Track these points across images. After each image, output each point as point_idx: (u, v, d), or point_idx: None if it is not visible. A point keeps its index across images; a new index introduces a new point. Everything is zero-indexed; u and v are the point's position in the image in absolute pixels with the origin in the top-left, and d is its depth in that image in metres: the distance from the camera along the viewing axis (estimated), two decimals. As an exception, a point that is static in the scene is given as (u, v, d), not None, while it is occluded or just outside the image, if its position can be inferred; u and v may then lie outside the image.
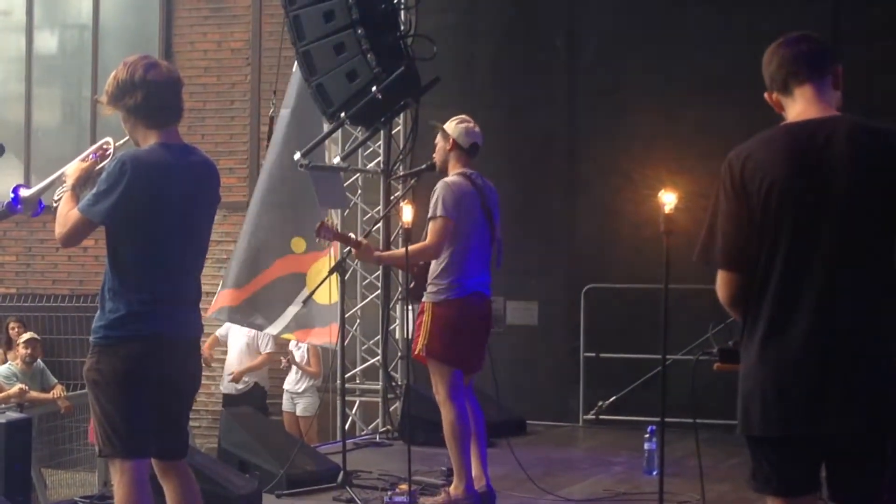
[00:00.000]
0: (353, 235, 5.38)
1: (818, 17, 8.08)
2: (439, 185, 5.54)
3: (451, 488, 5.58)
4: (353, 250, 5.70)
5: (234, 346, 9.66)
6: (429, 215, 5.50)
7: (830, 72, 3.08)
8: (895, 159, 2.94)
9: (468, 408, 5.60)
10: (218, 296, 8.55)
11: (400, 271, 8.52)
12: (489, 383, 6.32)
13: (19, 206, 4.17)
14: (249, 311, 8.41)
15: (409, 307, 6.60)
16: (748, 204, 2.97)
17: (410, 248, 5.46)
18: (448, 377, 5.53)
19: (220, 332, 9.74)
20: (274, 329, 8.51)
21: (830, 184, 2.93)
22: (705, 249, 3.06)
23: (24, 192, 4.17)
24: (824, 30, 3.20)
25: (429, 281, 5.57)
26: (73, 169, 4.02)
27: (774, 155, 2.97)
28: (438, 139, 5.75)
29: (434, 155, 5.77)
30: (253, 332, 9.25)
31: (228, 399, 9.49)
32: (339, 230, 5.56)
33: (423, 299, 5.60)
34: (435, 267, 5.54)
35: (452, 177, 5.58)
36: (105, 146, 4.07)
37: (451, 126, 5.70)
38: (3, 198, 4.14)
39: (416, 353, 5.60)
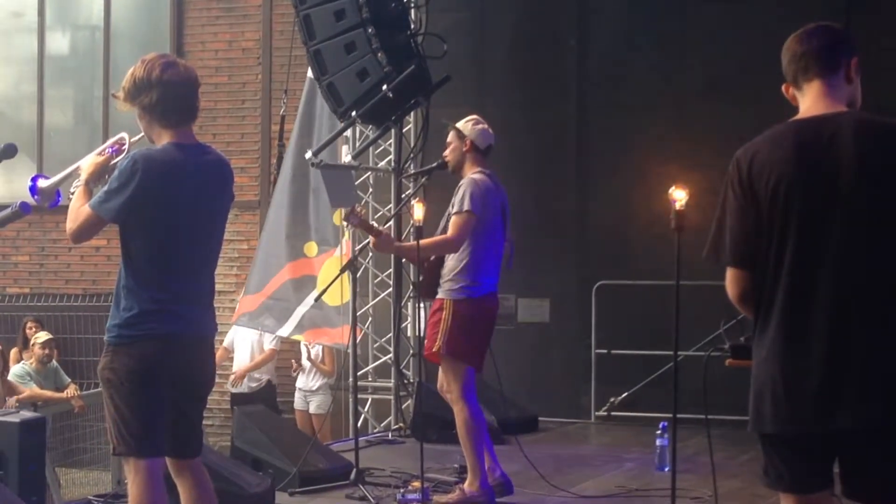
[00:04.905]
0: (375, 225, 5.42)
1: (831, 13, 8.06)
2: (466, 182, 5.56)
3: (466, 485, 5.59)
4: (372, 240, 5.66)
5: (243, 349, 9.69)
6: (454, 210, 5.50)
7: (843, 66, 3.06)
8: None
9: None
10: (240, 302, 8.71)
11: (412, 269, 8.58)
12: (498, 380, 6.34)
13: (37, 197, 4.16)
14: (263, 314, 8.51)
15: (421, 305, 6.62)
16: (756, 201, 2.97)
17: (431, 240, 5.49)
18: (463, 375, 5.55)
19: (226, 342, 9.77)
20: (284, 331, 8.58)
21: (836, 180, 2.92)
22: (714, 247, 3.06)
23: (42, 183, 4.16)
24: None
25: (447, 278, 5.57)
26: (88, 163, 4.02)
27: (781, 152, 2.96)
28: (452, 138, 5.75)
29: (446, 153, 5.77)
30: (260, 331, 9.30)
31: (240, 398, 9.49)
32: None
33: (441, 296, 5.60)
34: (455, 264, 5.55)
35: (477, 174, 5.60)
36: (121, 141, 4.06)
37: (468, 127, 5.71)
38: (17, 198, 4.15)
39: (432, 350, 5.57)
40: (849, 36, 3.12)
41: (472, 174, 5.61)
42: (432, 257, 5.65)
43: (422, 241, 5.47)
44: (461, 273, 5.54)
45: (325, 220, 8.55)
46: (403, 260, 8.57)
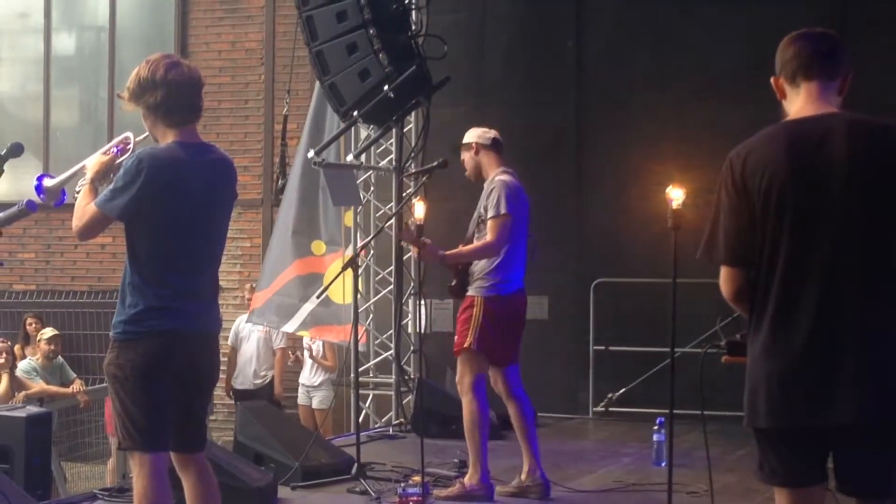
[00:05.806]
0: (423, 238, 5.46)
1: (827, 13, 8.11)
2: (497, 184, 5.62)
3: (466, 479, 5.65)
4: (415, 251, 5.68)
5: (249, 345, 9.76)
6: (489, 214, 5.57)
7: (840, 77, 3.11)
8: (893, 154, 2.98)
9: (516, 401, 5.70)
10: (252, 300, 8.80)
11: (413, 267, 8.64)
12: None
13: (42, 195, 4.19)
14: (269, 311, 8.59)
15: (422, 302, 6.68)
16: (749, 200, 3.00)
17: (472, 246, 5.60)
18: (477, 370, 5.62)
19: (230, 341, 9.82)
20: (290, 327, 8.65)
21: (828, 180, 2.96)
22: (709, 247, 3.09)
23: (48, 182, 4.19)
24: (831, 25, 3.23)
25: (478, 276, 5.63)
26: (93, 162, 4.05)
27: (774, 152, 3.00)
28: (462, 155, 5.84)
29: (467, 174, 5.85)
30: (267, 328, 9.39)
31: (245, 394, 9.57)
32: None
33: (471, 293, 5.65)
34: (487, 263, 5.61)
35: (504, 175, 5.67)
36: (126, 140, 4.10)
37: (467, 136, 5.83)
38: (23, 196, 4.20)
39: (464, 346, 5.60)
40: (848, 51, 3.18)
41: (498, 176, 5.68)
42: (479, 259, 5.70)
43: (464, 248, 5.62)
44: (493, 272, 5.60)
45: (335, 221, 8.65)
46: (404, 257, 8.65)
